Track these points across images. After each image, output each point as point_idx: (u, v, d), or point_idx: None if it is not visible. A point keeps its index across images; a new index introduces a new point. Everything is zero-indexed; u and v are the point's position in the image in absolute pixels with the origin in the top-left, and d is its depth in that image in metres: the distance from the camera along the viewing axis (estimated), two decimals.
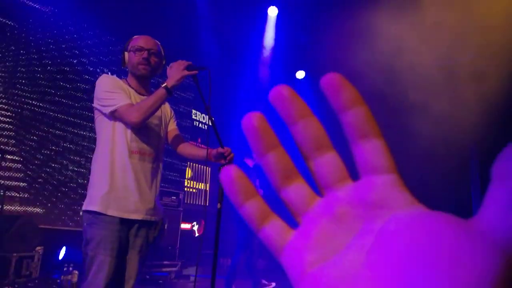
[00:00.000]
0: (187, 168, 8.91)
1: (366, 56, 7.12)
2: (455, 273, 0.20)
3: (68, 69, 6.66)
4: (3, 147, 5.42)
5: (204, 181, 9.49)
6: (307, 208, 0.30)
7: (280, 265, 0.29)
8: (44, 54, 6.36)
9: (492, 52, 5.96)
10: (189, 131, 8.92)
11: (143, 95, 2.34)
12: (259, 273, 5.55)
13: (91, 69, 7.00)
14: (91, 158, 2.32)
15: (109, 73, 6.96)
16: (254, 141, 0.31)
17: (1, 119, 5.67)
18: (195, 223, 8.73)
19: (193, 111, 9.33)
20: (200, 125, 9.39)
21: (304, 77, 9.57)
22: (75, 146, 6.60)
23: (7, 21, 5.89)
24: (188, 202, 8.48)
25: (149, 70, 2.32)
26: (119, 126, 2.22)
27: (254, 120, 0.31)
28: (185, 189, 8.64)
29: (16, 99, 5.88)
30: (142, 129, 2.24)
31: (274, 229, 0.30)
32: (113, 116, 2.20)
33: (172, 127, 2.51)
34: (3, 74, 5.75)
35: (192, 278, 6.43)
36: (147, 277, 5.48)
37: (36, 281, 4.55)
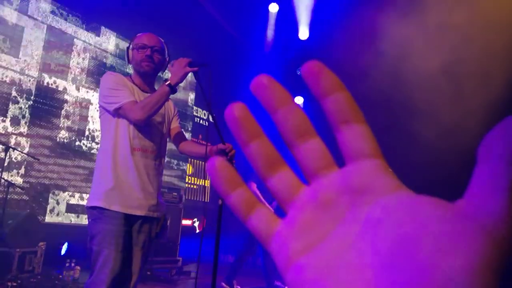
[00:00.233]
0: (188, 164, 8.94)
1: (368, 54, 7.13)
2: (441, 256, 0.21)
3: None
4: (7, 142, 5.44)
5: (205, 177, 9.51)
6: (293, 197, 0.30)
7: None
8: None
9: (496, 52, 5.95)
10: (189, 128, 8.94)
11: (147, 92, 2.36)
12: (274, 274, 5.55)
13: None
14: (95, 154, 2.34)
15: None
16: (236, 131, 0.30)
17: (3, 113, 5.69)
18: (196, 219, 8.76)
19: (194, 107, 9.35)
20: (201, 121, 9.41)
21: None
22: (79, 141, 6.62)
23: None
24: (189, 198, 8.51)
25: (152, 67, 2.34)
26: (122, 123, 2.24)
27: (235, 111, 0.30)
28: (186, 185, 8.67)
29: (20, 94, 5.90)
30: (145, 126, 2.27)
31: (260, 218, 0.30)
32: (117, 113, 2.22)
33: (175, 124, 2.53)
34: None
35: (193, 274, 6.46)
36: (148, 273, 5.50)
37: (39, 276, 4.59)
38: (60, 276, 4.66)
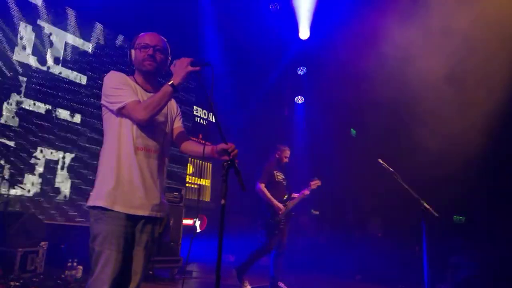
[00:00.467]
0: (188, 164, 8.94)
1: (370, 56, 7.12)
2: None
3: None
4: (7, 143, 5.46)
5: (205, 176, 9.52)
6: None
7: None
8: None
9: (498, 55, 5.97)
10: (190, 127, 8.94)
11: (150, 92, 2.36)
12: (279, 275, 5.55)
13: None
14: (97, 154, 2.34)
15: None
16: None
17: (7, 115, 5.70)
18: (196, 218, 8.76)
19: (194, 107, 9.34)
20: (201, 121, 9.41)
21: (305, 73, 9.55)
22: (83, 142, 6.63)
23: None
24: (190, 198, 8.51)
25: (154, 66, 2.34)
26: (125, 122, 2.23)
27: None
28: (187, 184, 8.67)
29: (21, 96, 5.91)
30: (148, 126, 2.26)
31: None
32: (121, 113, 2.22)
33: (178, 124, 2.53)
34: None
35: (194, 274, 6.46)
36: (150, 272, 5.50)
37: (41, 276, 4.59)
38: (63, 276, 4.66)
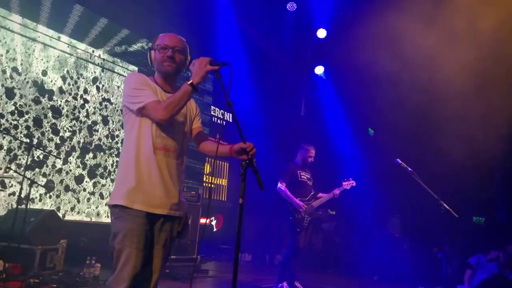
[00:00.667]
0: (206, 164, 8.98)
1: (386, 56, 7.06)
2: None
3: None
4: (29, 141, 5.55)
5: (223, 176, 9.54)
6: None
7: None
8: None
9: None
10: (207, 127, 8.99)
11: (169, 92, 2.36)
12: (286, 275, 5.54)
13: None
14: (117, 153, 2.36)
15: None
16: None
17: (26, 111, 5.79)
18: (213, 218, 8.80)
19: (212, 107, 9.38)
20: (219, 121, 9.44)
21: (323, 72, 9.49)
22: (100, 140, 6.71)
23: None
24: (206, 197, 8.55)
25: (174, 67, 2.34)
26: (145, 122, 2.25)
27: None
28: (204, 184, 8.70)
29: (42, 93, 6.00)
30: (167, 126, 2.27)
31: None
32: (141, 113, 2.23)
33: (197, 124, 2.53)
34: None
35: (211, 273, 6.49)
36: (167, 271, 5.55)
37: (60, 273, 4.65)
38: (81, 273, 4.72)
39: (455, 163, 6.75)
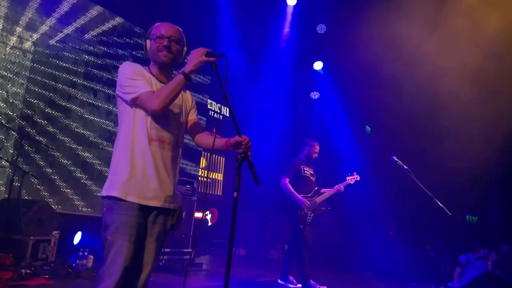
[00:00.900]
0: (201, 158, 8.95)
1: (384, 50, 7.05)
2: None
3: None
4: (21, 132, 5.50)
5: (218, 170, 9.52)
6: None
7: None
8: None
9: None
10: (204, 121, 8.95)
11: (165, 83, 2.33)
12: (290, 269, 5.57)
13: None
14: (109, 144, 2.33)
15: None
16: None
17: (18, 103, 5.74)
18: (208, 212, 8.79)
19: (209, 101, 9.34)
20: (215, 115, 9.40)
21: (322, 67, 9.46)
22: (94, 131, 6.66)
23: None
24: (201, 191, 8.54)
25: (170, 57, 2.31)
26: (139, 113, 2.22)
27: None
28: (199, 178, 8.68)
29: (33, 84, 5.94)
30: (162, 117, 2.24)
31: None
32: (135, 103, 2.20)
33: (192, 116, 2.51)
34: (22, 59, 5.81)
35: (204, 266, 6.48)
36: (160, 264, 5.54)
37: (52, 264, 4.62)
38: (74, 265, 4.69)
39: (450, 161, 6.77)
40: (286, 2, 8.33)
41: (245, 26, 8.52)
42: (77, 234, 5.75)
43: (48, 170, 6.03)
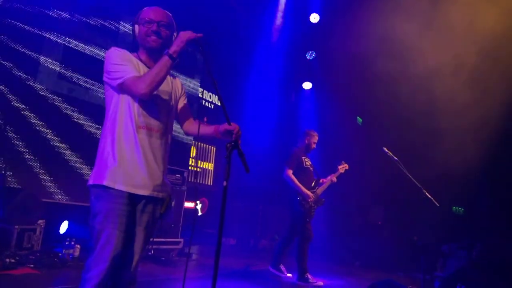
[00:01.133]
0: (192, 147, 8.89)
1: (375, 40, 7.04)
2: None
3: None
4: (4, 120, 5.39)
5: (209, 160, 9.48)
6: None
7: None
8: None
9: None
10: (195, 110, 8.88)
11: None
12: (282, 257, 5.56)
13: None
14: (95, 133, 2.28)
15: None
16: None
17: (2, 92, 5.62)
18: (198, 201, 8.75)
19: (200, 89, 9.25)
20: (207, 104, 9.33)
21: (314, 58, 9.42)
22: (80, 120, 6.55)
23: None
24: (192, 181, 8.48)
25: (159, 42, 2.26)
26: (126, 100, 2.17)
27: None
28: (190, 167, 8.63)
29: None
30: (150, 104, 2.19)
31: None
32: (121, 88, 2.15)
33: (182, 104, 2.47)
34: None
35: (194, 256, 6.46)
36: (150, 253, 5.50)
37: (38, 253, 4.55)
38: (60, 254, 4.63)
39: (439, 153, 6.81)
40: None
41: (238, 15, 8.44)
42: (63, 223, 5.67)
43: (34, 158, 5.94)
